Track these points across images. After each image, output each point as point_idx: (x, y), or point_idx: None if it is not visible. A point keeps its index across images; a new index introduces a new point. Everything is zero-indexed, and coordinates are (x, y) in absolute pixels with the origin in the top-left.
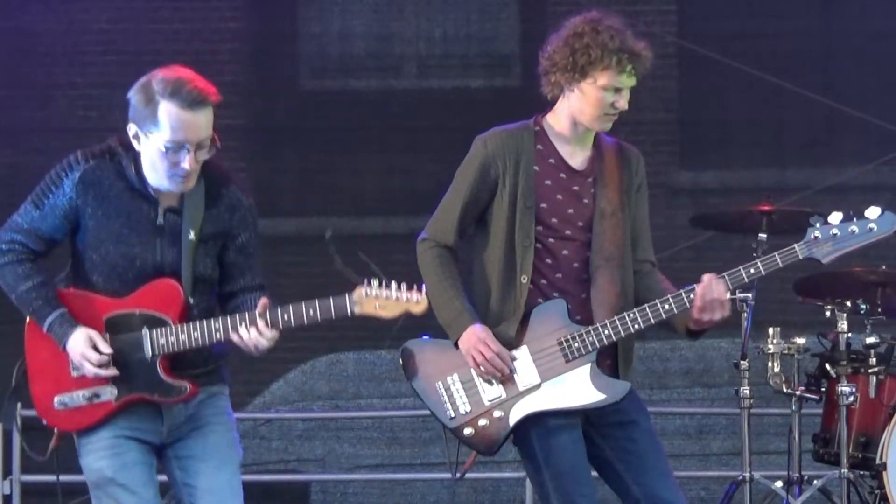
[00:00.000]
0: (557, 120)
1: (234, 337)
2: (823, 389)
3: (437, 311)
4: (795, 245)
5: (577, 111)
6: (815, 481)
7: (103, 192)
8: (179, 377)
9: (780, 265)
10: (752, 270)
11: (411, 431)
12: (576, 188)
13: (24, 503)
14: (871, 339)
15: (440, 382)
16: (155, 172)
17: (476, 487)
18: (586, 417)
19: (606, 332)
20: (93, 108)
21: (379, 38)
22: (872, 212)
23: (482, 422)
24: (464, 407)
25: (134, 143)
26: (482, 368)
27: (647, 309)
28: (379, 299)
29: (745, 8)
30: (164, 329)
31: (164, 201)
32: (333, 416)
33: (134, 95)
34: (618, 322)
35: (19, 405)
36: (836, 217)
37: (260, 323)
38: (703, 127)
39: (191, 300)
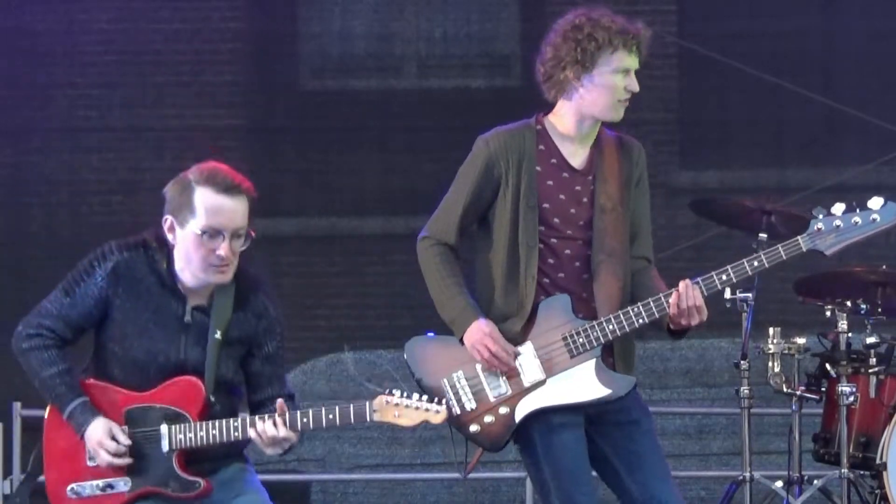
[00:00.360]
0: (560, 120)
1: (251, 434)
2: (823, 389)
3: (440, 309)
4: (799, 237)
5: (590, 104)
6: (815, 481)
7: (134, 285)
8: (195, 473)
9: (784, 258)
10: (755, 264)
11: (411, 431)
12: (577, 188)
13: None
14: (871, 339)
15: (445, 379)
16: (189, 265)
17: (476, 487)
18: (587, 416)
19: (611, 326)
20: (93, 108)
21: (379, 38)
22: (875, 202)
23: (488, 418)
24: (469, 403)
25: (169, 236)
26: (487, 363)
27: (651, 303)
28: (399, 408)
29: (745, 8)
30: (183, 425)
31: (193, 299)
32: None
33: (169, 188)
34: (622, 317)
35: (19, 405)
36: (838, 208)
37: (279, 422)
38: (703, 127)
39: (212, 398)
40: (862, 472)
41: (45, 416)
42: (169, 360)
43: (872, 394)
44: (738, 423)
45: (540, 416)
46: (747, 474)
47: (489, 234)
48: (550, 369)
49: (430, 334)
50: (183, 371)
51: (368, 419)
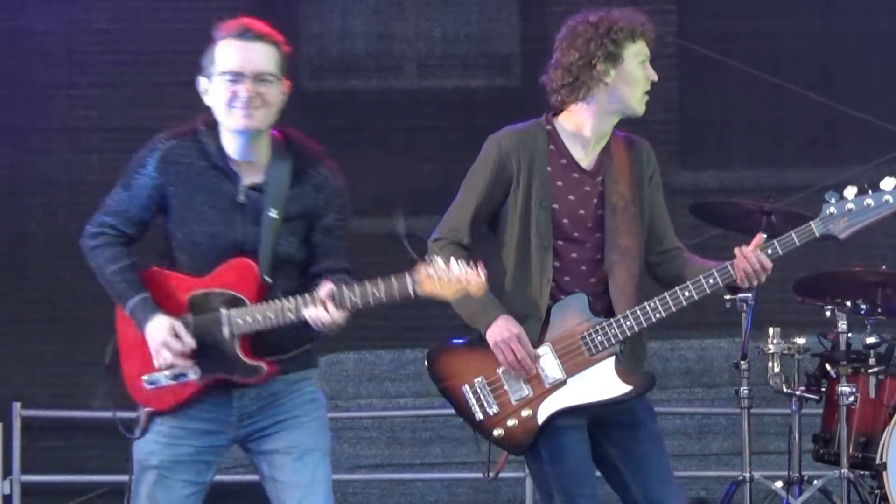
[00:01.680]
0: (574, 121)
1: (306, 315)
2: (823, 389)
3: (458, 306)
4: (811, 222)
5: (618, 99)
6: (815, 481)
7: (184, 171)
8: (257, 357)
9: (797, 244)
10: (769, 251)
11: (411, 431)
12: (587, 189)
13: (24, 503)
14: (871, 339)
15: (466, 385)
16: (222, 119)
17: (476, 487)
18: (592, 417)
19: (628, 323)
20: (93, 108)
21: (379, 38)
22: (887, 183)
23: (511, 422)
24: (491, 408)
25: (205, 98)
26: (510, 366)
27: (668, 297)
28: (441, 281)
29: (745, 8)
30: (241, 309)
31: (247, 177)
32: (333, 416)
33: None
34: (639, 312)
35: (19, 405)
36: (850, 191)
37: (329, 306)
38: (703, 127)
39: (267, 279)
40: (862, 473)
41: (116, 310)
42: (227, 242)
43: (872, 394)
44: (738, 423)
45: None
46: (747, 474)
47: (499, 235)
48: (570, 369)
49: (457, 341)
50: (241, 252)
51: (412, 293)
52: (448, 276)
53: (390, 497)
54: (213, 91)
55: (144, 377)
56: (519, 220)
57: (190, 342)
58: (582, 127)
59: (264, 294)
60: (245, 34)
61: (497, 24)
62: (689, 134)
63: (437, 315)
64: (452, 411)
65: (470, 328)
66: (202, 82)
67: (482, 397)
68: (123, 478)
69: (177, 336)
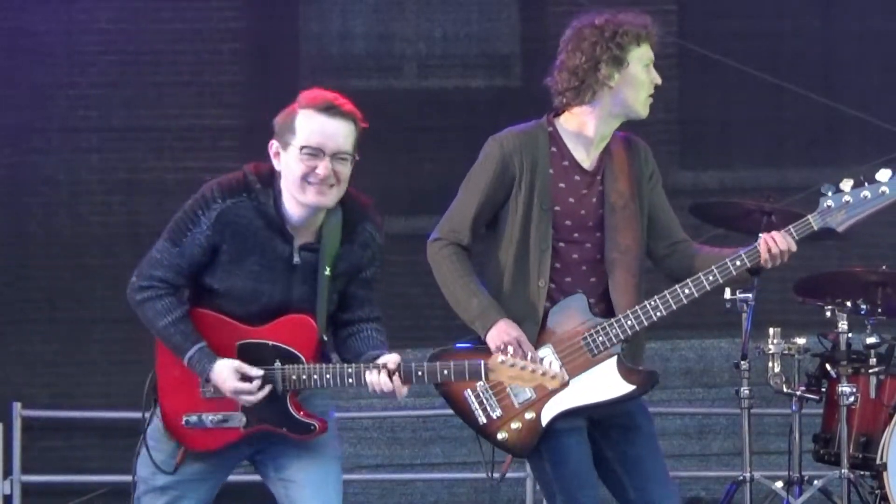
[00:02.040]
0: (576, 122)
1: (367, 381)
2: (824, 389)
3: (459, 308)
4: (809, 216)
5: (622, 101)
6: (815, 481)
7: (240, 230)
8: (309, 415)
9: (796, 238)
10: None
11: (411, 431)
12: (585, 190)
13: (24, 503)
14: (871, 339)
15: (469, 389)
16: (291, 190)
17: (476, 487)
18: (591, 418)
19: (629, 322)
20: (93, 108)
21: (379, 38)
22: (883, 174)
23: (515, 424)
24: (495, 412)
25: (275, 162)
26: None
27: (668, 295)
28: (514, 369)
29: (745, 8)
30: (296, 366)
31: (301, 238)
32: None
33: (278, 116)
34: (640, 312)
35: (19, 405)
36: (847, 184)
37: (395, 379)
38: (703, 127)
39: (325, 338)
40: (862, 473)
41: (156, 346)
42: (273, 300)
43: (872, 394)
44: (738, 423)
45: None
46: (747, 474)
47: (498, 236)
48: (573, 370)
49: (461, 345)
50: (286, 309)
51: (483, 379)
52: (523, 366)
53: (390, 497)
54: (287, 160)
55: (185, 416)
56: (519, 221)
57: (258, 373)
58: (584, 128)
59: (320, 352)
60: (330, 110)
61: (497, 24)
62: (689, 134)
63: (437, 315)
64: (453, 411)
65: (472, 330)
66: (273, 145)
67: (485, 401)
68: (123, 478)
69: (244, 377)
